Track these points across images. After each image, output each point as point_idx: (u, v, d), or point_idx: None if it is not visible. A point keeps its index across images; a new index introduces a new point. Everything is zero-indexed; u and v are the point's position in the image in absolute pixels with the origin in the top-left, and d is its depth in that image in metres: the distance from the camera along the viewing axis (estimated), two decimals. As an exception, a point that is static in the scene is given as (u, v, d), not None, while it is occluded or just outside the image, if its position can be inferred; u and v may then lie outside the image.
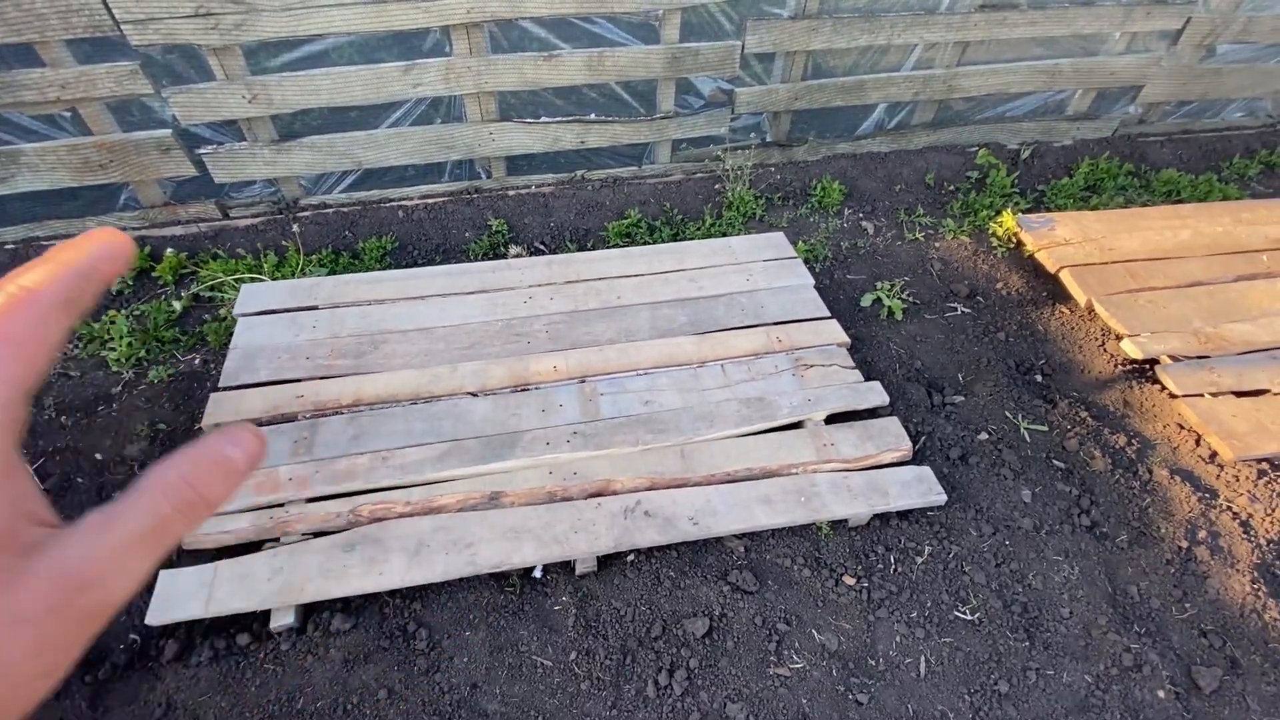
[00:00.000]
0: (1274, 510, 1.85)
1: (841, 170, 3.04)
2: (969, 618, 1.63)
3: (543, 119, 2.68)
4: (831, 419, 2.00)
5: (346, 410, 1.95)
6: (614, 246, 2.61)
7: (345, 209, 2.70)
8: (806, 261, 2.58)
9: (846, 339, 2.20)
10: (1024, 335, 2.37)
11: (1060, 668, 1.56)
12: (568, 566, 1.69)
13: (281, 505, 1.74)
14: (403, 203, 2.75)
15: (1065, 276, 2.50)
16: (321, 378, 2.03)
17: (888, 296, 2.46)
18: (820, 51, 2.73)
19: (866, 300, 2.47)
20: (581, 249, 2.54)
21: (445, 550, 1.64)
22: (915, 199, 2.95)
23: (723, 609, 1.63)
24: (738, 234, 2.72)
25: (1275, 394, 2.10)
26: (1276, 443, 1.96)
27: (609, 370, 2.08)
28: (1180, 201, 2.97)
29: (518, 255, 2.63)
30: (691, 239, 2.65)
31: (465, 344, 2.14)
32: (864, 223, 2.83)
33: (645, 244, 2.65)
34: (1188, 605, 1.68)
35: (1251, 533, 1.81)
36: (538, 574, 1.68)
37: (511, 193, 2.81)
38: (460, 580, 1.63)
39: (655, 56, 2.57)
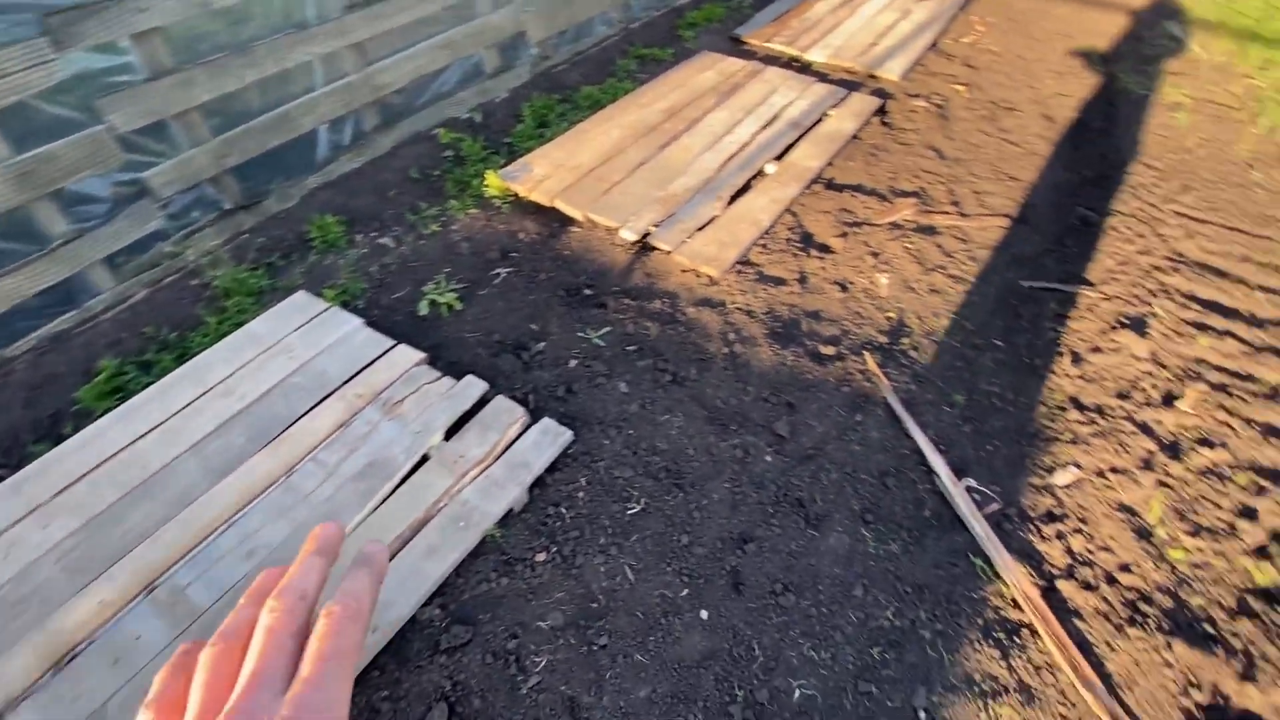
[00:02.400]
0: (755, 292, 2.49)
1: (328, 202, 2.86)
2: (638, 509, 1.83)
3: None
4: (450, 433, 1.96)
5: None
6: (104, 414, 2.02)
7: None
8: (345, 305, 2.40)
9: (421, 355, 2.14)
10: (560, 266, 2.64)
11: (707, 492, 1.88)
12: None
13: None
14: None
15: (560, 204, 2.84)
16: None
17: (439, 295, 2.46)
18: (215, 101, 2.43)
19: (423, 308, 2.43)
20: (57, 443, 1.90)
21: None
22: (413, 197, 2.96)
23: (454, 682, 1.50)
24: (255, 316, 2.37)
25: (718, 216, 2.79)
26: (734, 249, 2.62)
27: (180, 556, 1.65)
28: (601, 108, 3.60)
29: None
30: (201, 350, 2.21)
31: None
32: (380, 240, 2.75)
33: (144, 386, 2.11)
34: (750, 388, 2.17)
35: (754, 314, 2.41)
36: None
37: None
38: None
39: (-5, 182, 1.95)
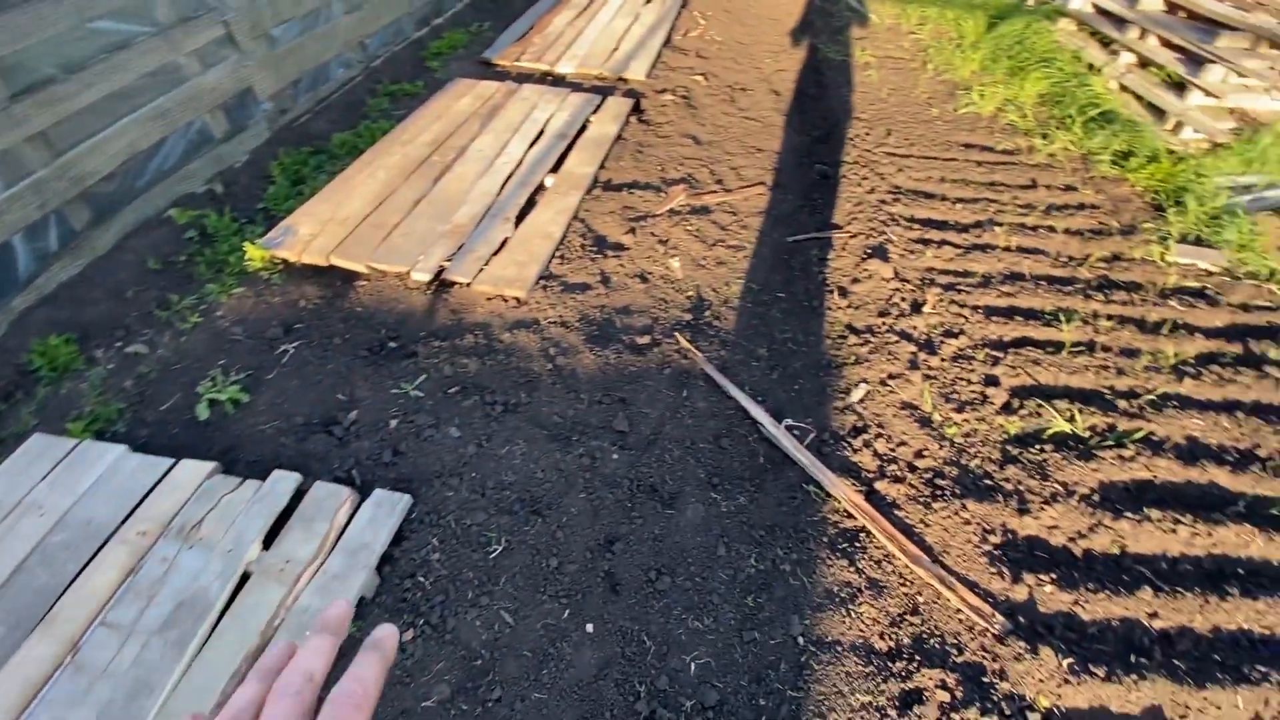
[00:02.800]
0: (564, 302, 2.53)
1: (48, 321, 2.39)
2: (500, 549, 1.78)
3: None
4: (270, 540, 1.75)
5: None
6: None
7: None
8: (100, 435, 2.03)
9: (212, 464, 1.88)
10: (355, 325, 2.46)
11: (565, 509, 1.88)
12: None
13: None
14: None
15: (338, 261, 2.64)
16: None
17: (219, 392, 2.17)
18: None
19: (203, 411, 2.13)
20: None
21: None
22: (159, 291, 2.57)
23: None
24: (-23, 482, 1.91)
25: (510, 238, 2.78)
26: (534, 266, 2.63)
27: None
28: (361, 153, 3.41)
29: None
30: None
31: None
32: (129, 349, 2.35)
33: None
34: (582, 395, 2.21)
35: (568, 324, 2.45)
36: None
37: None
38: None
39: None
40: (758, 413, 2.13)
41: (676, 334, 2.44)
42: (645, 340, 2.40)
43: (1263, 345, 2.45)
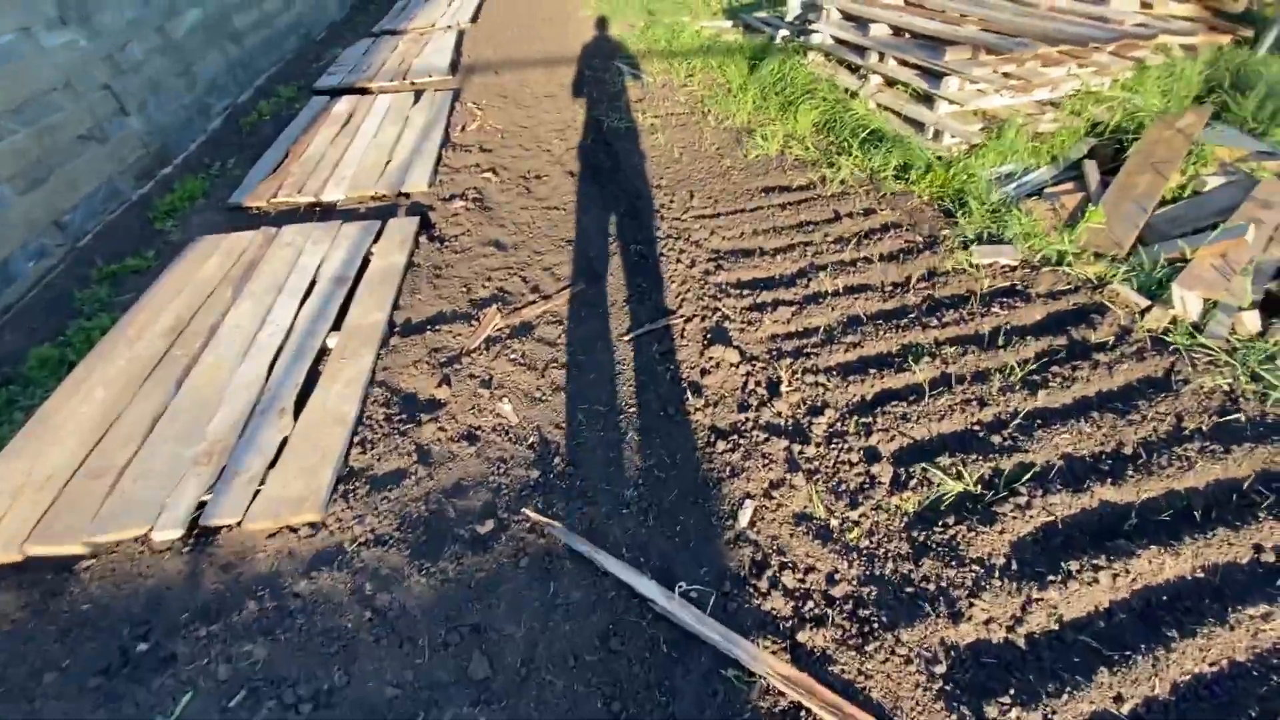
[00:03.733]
0: (375, 507, 1.99)
1: None
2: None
3: None
4: None
5: None
6: None
7: None
8: None
9: None
10: (77, 635, 1.73)
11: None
12: None
13: None
14: None
15: (36, 549, 1.89)
16: None
17: None
18: None
19: None
20: None
21: None
22: None
23: None
24: None
25: (289, 437, 2.19)
26: (326, 469, 2.07)
27: None
28: (71, 367, 2.62)
29: None
30: None
31: None
32: None
33: None
34: (419, 642, 1.68)
35: (385, 539, 1.91)
36: None
37: None
38: None
39: None
40: (644, 586, 1.74)
41: (526, 508, 1.99)
42: (488, 527, 1.93)
43: (1082, 331, 2.52)
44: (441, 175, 3.99)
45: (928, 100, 3.80)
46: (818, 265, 2.99)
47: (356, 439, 2.21)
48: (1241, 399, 2.17)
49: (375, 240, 3.26)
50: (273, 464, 2.10)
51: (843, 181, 3.63)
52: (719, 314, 2.68)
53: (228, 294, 2.89)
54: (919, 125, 3.86)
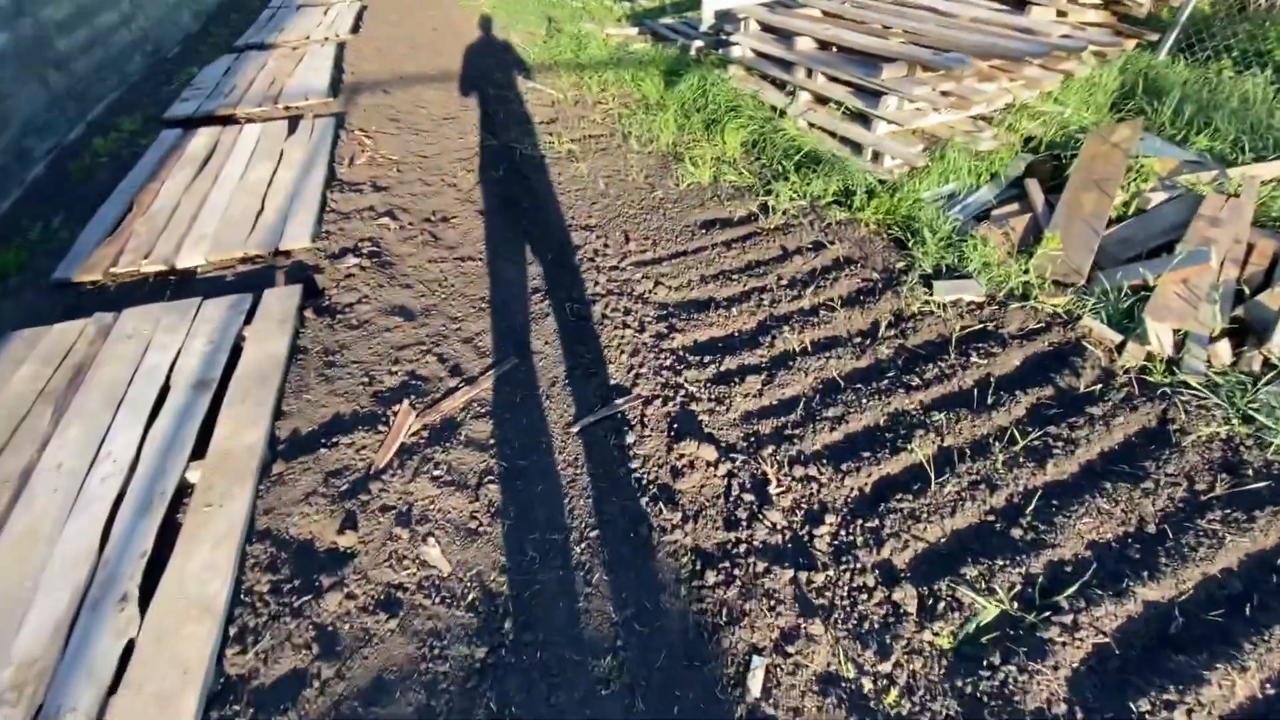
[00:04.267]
0: (271, 731, 1.45)
1: None
2: None
3: None
4: None
5: None
6: None
7: None
8: None
9: None
10: None
11: None
12: None
13: None
14: None
15: None
16: None
17: None
18: None
19: None
20: None
21: None
22: None
23: None
24: None
25: (136, 640, 1.59)
26: (190, 688, 1.50)
27: None
28: None
29: None
30: None
31: None
32: None
33: None
34: None
35: None
36: None
37: None
38: None
39: None
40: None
41: (471, 706, 1.51)
42: (427, 747, 1.44)
43: (1066, 378, 2.32)
44: (328, 224, 3.35)
45: (864, 120, 3.57)
46: (778, 316, 2.66)
47: (233, 629, 1.64)
48: (1242, 448, 2.02)
49: (247, 320, 2.62)
50: (112, 689, 1.50)
51: (785, 213, 3.33)
52: (682, 392, 2.28)
53: (44, 422, 2.19)
54: (856, 146, 3.62)
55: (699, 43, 5.00)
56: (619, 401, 2.28)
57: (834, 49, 3.80)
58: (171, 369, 2.39)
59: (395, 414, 2.25)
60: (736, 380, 2.33)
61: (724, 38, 4.78)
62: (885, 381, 2.31)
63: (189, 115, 4.60)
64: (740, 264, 3.00)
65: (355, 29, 6.65)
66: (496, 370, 2.45)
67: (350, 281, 2.93)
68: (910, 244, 3.04)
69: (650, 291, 2.80)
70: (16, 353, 2.48)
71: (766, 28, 4.26)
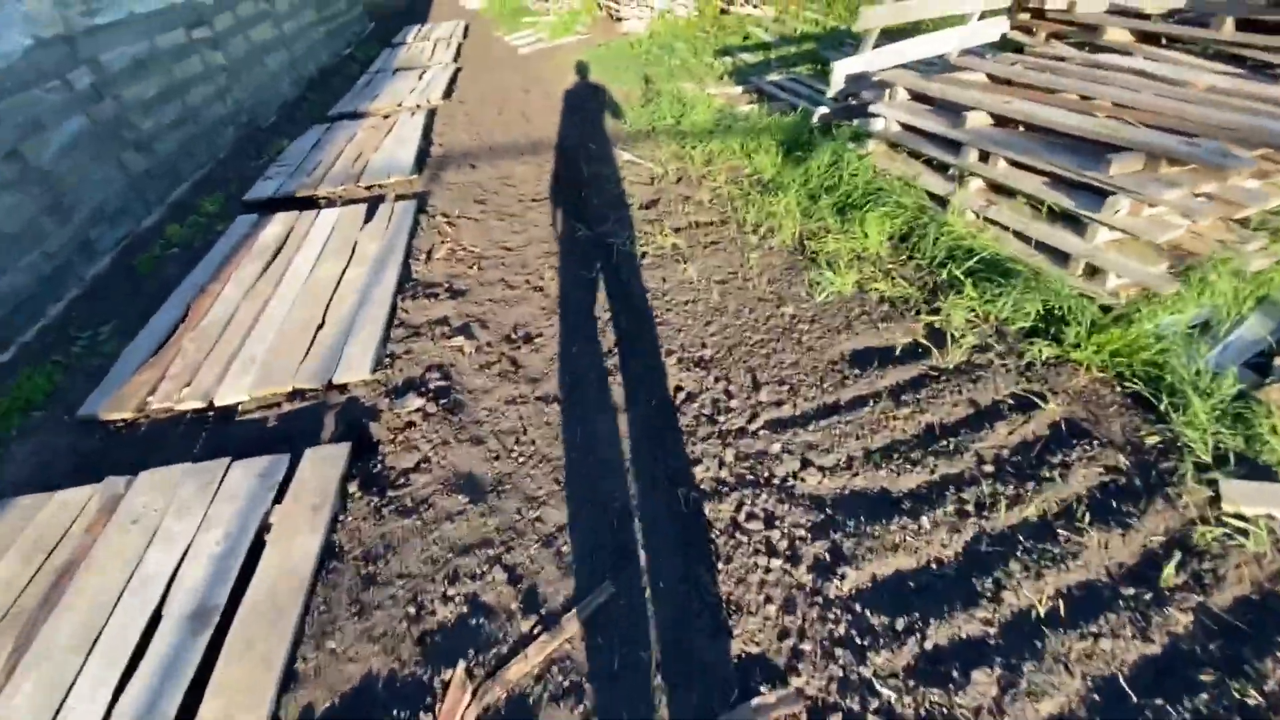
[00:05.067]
0: None
1: None
2: None
3: None
4: None
5: None
6: None
7: None
8: None
9: None
10: None
11: None
12: None
13: None
14: None
15: None
16: None
17: None
18: None
19: None
20: None
21: None
22: None
23: None
24: None
25: None
26: None
27: None
28: None
29: None
30: None
31: None
32: None
33: None
34: None
35: None
36: None
37: None
38: None
39: None
40: None
41: None
42: None
43: None
44: (394, 344, 2.80)
45: (1071, 220, 2.67)
46: (993, 535, 1.79)
47: None
48: None
49: (278, 497, 2.04)
50: None
51: (962, 342, 2.46)
52: (872, 702, 1.46)
53: (5, 653, 1.64)
54: (1058, 253, 2.71)
55: (823, 109, 4.24)
56: (770, 700, 1.48)
57: (1018, 126, 2.93)
58: (173, 578, 1.81)
59: (446, 686, 1.55)
60: (955, 673, 1.48)
61: (857, 104, 4.01)
62: (1199, 693, 1.40)
63: (268, 197, 4.30)
64: (917, 429, 2.17)
65: (448, 94, 6.38)
66: (586, 607, 1.72)
67: (410, 434, 2.33)
68: (1162, 405, 2.10)
69: (797, 477, 2.01)
70: (9, 528, 2.00)
71: (919, 96, 3.44)
